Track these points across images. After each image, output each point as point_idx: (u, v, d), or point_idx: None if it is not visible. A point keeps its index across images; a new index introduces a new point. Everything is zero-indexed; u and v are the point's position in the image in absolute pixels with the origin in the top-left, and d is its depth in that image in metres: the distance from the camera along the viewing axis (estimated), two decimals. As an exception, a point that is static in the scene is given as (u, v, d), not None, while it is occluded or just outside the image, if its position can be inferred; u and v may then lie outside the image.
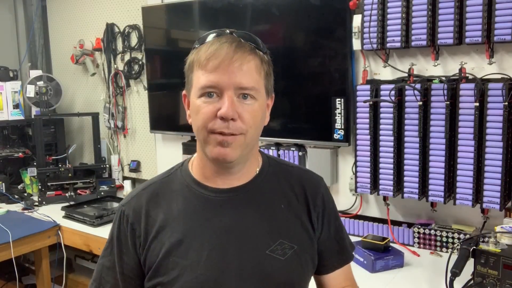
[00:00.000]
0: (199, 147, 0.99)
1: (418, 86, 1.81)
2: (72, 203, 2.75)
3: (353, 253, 1.17)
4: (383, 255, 1.79)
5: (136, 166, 3.08)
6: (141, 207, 1.00)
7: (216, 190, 0.99)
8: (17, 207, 2.77)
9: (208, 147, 0.92)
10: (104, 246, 1.05)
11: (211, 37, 0.93)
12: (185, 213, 0.98)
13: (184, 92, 0.99)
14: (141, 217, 0.99)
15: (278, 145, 2.31)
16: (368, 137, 1.95)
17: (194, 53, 0.94)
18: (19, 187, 3.12)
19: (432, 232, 1.92)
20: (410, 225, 2.02)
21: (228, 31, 0.94)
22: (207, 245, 0.95)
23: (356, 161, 2.01)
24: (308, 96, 2.21)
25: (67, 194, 2.84)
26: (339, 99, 2.09)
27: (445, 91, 1.75)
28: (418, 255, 1.90)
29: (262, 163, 1.05)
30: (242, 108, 0.90)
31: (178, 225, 0.97)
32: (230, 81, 0.89)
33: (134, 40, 2.97)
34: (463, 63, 1.79)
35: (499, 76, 1.75)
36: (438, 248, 1.92)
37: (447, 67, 1.88)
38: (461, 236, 1.86)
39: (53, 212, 2.60)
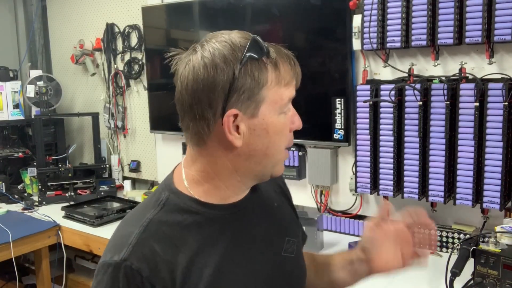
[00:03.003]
0: (240, 168, 0.87)
1: (418, 86, 1.81)
2: (72, 203, 2.75)
3: None
4: (383, 255, 1.78)
5: (136, 166, 3.08)
6: (154, 253, 0.80)
7: (225, 207, 0.90)
8: (17, 207, 2.77)
9: (279, 165, 0.90)
10: None
11: (274, 51, 0.85)
12: (207, 243, 0.86)
13: (233, 111, 0.81)
14: (158, 266, 0.80)
15: (278, 145, 2.30)
16: (368, 137, 1.95)
17: (269, 69, 0.82)
18: (19, 187, 3.12)
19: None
20: (410, 225, 2.02)
21: (278, 45, 0.88)
22: (240, 267, 0.88)
23: (356, 161, 2.01)
24: (308, 96, 2.21)
25: (67, 194, 2.84)
26: (339, 99, 2.09)
27: (445, 91, 1.75)
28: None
29: None
30: None
31: (204, 257, 0.84)
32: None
33: (134, 40, 2.97)
34: (463, 63, 1.79)
35: (499, 76, 1.75)
36: (438, 248, 1.92)
37: (447, 67, 1.88)
38: (461, 236, 1.86)
39: (53, 212, 2.60)
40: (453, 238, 1.88)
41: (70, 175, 2.99)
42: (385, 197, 2.03)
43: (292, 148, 2.25)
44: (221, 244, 0.87)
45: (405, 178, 1.89)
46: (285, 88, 0.85)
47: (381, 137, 1.93)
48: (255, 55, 0.81)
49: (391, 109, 1.88)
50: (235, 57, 0.80)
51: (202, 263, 0.83)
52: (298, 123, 0.89)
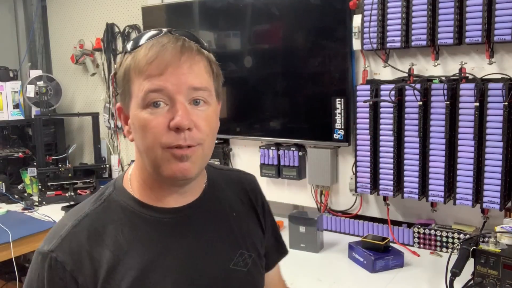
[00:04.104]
0: (144, 166, 0.84)
1: (418, 86, 1.81)
2: (72, 203, 2.74)
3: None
4: (383, 255, 1.79)
5: (136, 166, 3.07)
6: (81, 248, 0.80)
7: (168, 211, 0.86)
8: (17, 207, 2.77)
9: (164, 165, 0.79)
10: None
11: (146, 38, 0.80)
12: (138, 244, 0.83)
13: (118, 105, 0.85)
14: (83, 262, 0.79)
15: (278, 145, 2.31)
16: (368, 137, 1.95)
17: (128, 58, 0.80)
18: (19, 187, 3.12)
19: (432, 232, 1.92)
20: (410, 225, 2.02)
21: (165, 30, 0.82)
22: (170, 276, 0.84)
23: (356, 161, 2.01)
24: (308, 96, 2.21)
25: (67, 194, 2.84)
26: (339, 99, 2.09)
27: (445, 91, 1.75)
28: (418, 255, 1.89)
29: (207, 173, 0.96)
30: (196, 116, 0.79)
31: (132, 260, 0.82)
32: (180, 83, 0.77)
33: (134, 40, 2.97)
34: (463, 63, 1.79)
35: (499, 76, 1.75)
36: (438, 248, 1.92)
37: (447, 67, 1.88)
38: (461, 236, 1.86)
39: (53, 212, 2.60)
40: (453, 238, 1.88)
41: (70, 175, 2.99)
42: (385, 197, 2.03)
43: (292, 148, 2.26)
44: (153, 249, 0.84)
45: (405, 178, 1.89)
46: (144, 79, 0.78)
47: (381, 137, 1.93)
48: (128, 48, 0.82)
49: (391, 109, 1.88)
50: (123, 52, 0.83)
51: (129, 264, 0.81)
52: (175, 120, 0.77)
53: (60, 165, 3.00)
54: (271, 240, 1.07)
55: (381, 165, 1.94)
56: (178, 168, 0.79)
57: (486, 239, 1.67)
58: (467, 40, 1.72)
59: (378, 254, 1.79)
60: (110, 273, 0.80)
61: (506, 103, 1.65)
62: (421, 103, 1.81)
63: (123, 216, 0.85)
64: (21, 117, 3.21)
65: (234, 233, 0.94)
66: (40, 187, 2.91)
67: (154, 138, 0.78)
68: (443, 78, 1.79)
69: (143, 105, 0.78)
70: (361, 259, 1.82)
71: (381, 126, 1.92)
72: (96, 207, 0.86)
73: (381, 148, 1.93)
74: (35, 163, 3.00)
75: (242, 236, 0.95)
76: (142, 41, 0.80)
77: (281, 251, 1.11)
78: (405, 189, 1.90)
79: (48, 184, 2.90)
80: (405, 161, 1.89)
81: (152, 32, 0.81)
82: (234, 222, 0.95)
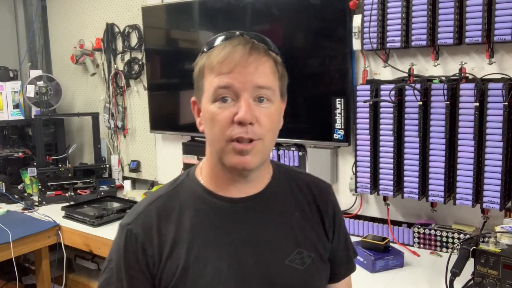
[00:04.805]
0: (212, 156, 0.93)
1: (418, 86, 1.81)
2: (72, 203, 2.74)
3: None
4: (383, 255, 1.79)
5: (136, 166, 3.08)
6: (151, 224, 0.93)
7: (231, 200, 0.94)
8: (17, 207, 2.77)
9: (227, 156, 0.88)
10: (105, 272, 0.95)
11: (220, 39, 0.90)
12: (200, 226, 0.93)
13: (193, 98, 0.95)
14: (152, 235, 0.92)
15: (278, 145, 2.31)
16: (368, 137, 1.95)
17: (204, 57, 0.90)
18: (19, 187, 3.12)
19: (432, 232, 1.92)
20: (410, 225, 2.02)
21: (238, 32, 0.91)
22: (225, 259, 0.91)
23: (356, 161, 2.01)
24: (308, 96, 2.21)
25: (67, 194, 2.84)
26: (339, 99, 2.09)
27: (445, 91, 1.75)
28: (418, 255, 1.90)
29: (273, 170, 1.02)
30: (259, 112, 0.87)
31: (193, 239, 0.91)
32: (246, 81, 0.85)
33: (134, 40, 2.97)
34: (463, 63, 1.79)
35: (499, 76, 1.75)
36: (438, 248, 1.92)
37: (447, 67, 1.88)
38: (461, 236, 1.86)
39: (53, 212, 2.60)
40: (453, 238, 1.88)
41: (70, 175, 2.99)
42: (385, 197, 2.03)
43: (292, 148, 2.25)
44: (213, 232, 0.93)
45: (405, 178, 1.89)
46: (215, 76, 0.87)
47: (381, 137, 1.93)
48: (204, 48, 0.91)
49: (391, 109, 1.88)
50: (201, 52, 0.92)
51: (190, 242, 0.91)
52: (239, 114, 0.85)
53: (60, 165, 3.00)
54: (343, 253, 1.09)
55: (381, 165, 1.94)
56: (239, 161, 0.88)
57: (486, 239, 1.67)
58: (467, 40, 1.72)
59: (378, 254, 1.79)
60: (173, 249, 0.91)
61: (506, 103, 1.65)
62: (421, 103, 1.81)
63: (190, 200, 0.95)
64: (21, 117, 3.21)
65: (295, 231, 0.98)
66: (40, 187, 2.92)
67: (220, 130, 0.87)
68: (443, 78, 1.79)
69: (213, 99, 0.87)
70: (361, 259, 1.82)
71: (381, 126, 1.92)
72: (169, 190, 0.98)
73: (381, 148, 1.93)
74: (35, 163, 3.00)
75: (303, 236, 0.98)
76: (217, 42, 0.89)
77: (350, 266, 1.12)
78: (405, 189, 1.90)
79: (48, 184, 2.91)
80: (405, 161, 1.89)
81: (226, 34, 0.90)
82: (296, 221, 0.99)
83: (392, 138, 1.90)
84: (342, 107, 2.08)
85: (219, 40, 0.90)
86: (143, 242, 0.91)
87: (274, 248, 0.95)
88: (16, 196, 2.92)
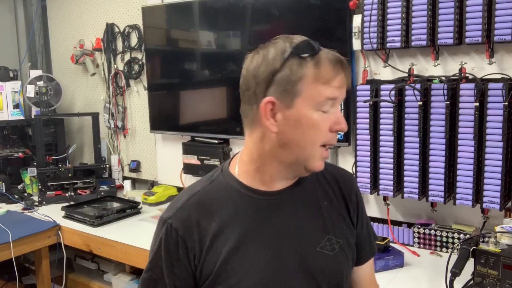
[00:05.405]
0: (259, 158, 0.99)
1: (418, 86, 1.81)
2: (72, 203, 2.74)
3: None
4: (383, 255, 1.79)
5: (136, 166, 3.08)
6: (191, 218, 0.98)
7: (266, 193, 1.01)
8: (17, 207, 2.77)
9: (314, 159, 0.96)
10: (148, 264, 1.02)
11: (325, 53, 0.95)
12: (238, 219, 0.99)
13: (271, 99, 0.93)
14: (192, 230, 0.97)
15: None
16: (368, 137, 1.95)
17: (309, 66, 0.92)
18: (19, 187, 3.12)
19: (432, 232, 1.92)
20: (410, 225, 2.02)
21: (315, 44, 0.97)
22: (262, 248, 0.98)
23: (356, 161, 2.01)
24: (308, 96, 2.21)
25: (67, 194, 2.84)
26: (339, 99, 2.09)
27: (445, 91, 1.75)
28: (418, 255, 1.90)
29: None
30: None
31: (232, 231, 0.97)
32: (343, 96, 0.96)
33: (134, 40, 2.97)
34: (463, 63, 1.79)
35: (499, 76, 1.75)
36: (438, 248, 1.92)
37: (447, 67, 1.88)
38: (461, 236, 1.86)
39: (53, 212, 2.60)
40: (453, 238, 1.88)
41: (70, 175, 2.99)
42: (385, 197, 2.03)
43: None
44: (250, 224, 0.98)
45: (405, 178, 1.89)
46: (324, 86, 0.92)
47: (381, 137, 1.93)
48: (297, 53, 0.93)
49: (391, 109, 1.88)
50: (283, 54, 0.93)
51: (229, 234, 0.97)
52: (342, 125, 0.95)
53: (60, 165, 3.00)
54: (366, 236, 1.16)
55: (381, 165, 1.94)
56: (320, 165, 0.97)
57: (486, 239, 1.67)
58: (467, 40, 1.72)
59: (378, 254, 1.79)
60: (213, 241, 0.96)
61: (506, 103, 1.65)
62: (421, 103, 1.81)
63: (227, 194, 1.01)
64: (21, 117, 3.21)
65: (324, 219, 1.04)
66: (40, 187, 2.92)
67: (318, 136, 0.94)
68: (443, 78, 1.80)
69: (317, 107, 0.93)
70: (361, 259, 1.82)
71: (381, 126, 1.92)
72: (206, 185, 1.03)
73: (381, 148, 1.93)
74: (35, 163, 3.00)
75: (332, 223, 1.05)
76: (323, 54, 0.94)
77: (372, 249, 1.19)
78: (405, 189, 1.90)
79: (48, 184, 2.90)
80: (405, 161, 1.89)
81: (311, 43, 0.95)
82: (325, 210, 1.05)
83: (392, 138, 1.90)
84: (342, 107, 2.08)
85: (323, 53, 0.94)
86: (183, 236, 0.97)
87: (307, 236, 1.01)
88: (16, 196, 2.92)
